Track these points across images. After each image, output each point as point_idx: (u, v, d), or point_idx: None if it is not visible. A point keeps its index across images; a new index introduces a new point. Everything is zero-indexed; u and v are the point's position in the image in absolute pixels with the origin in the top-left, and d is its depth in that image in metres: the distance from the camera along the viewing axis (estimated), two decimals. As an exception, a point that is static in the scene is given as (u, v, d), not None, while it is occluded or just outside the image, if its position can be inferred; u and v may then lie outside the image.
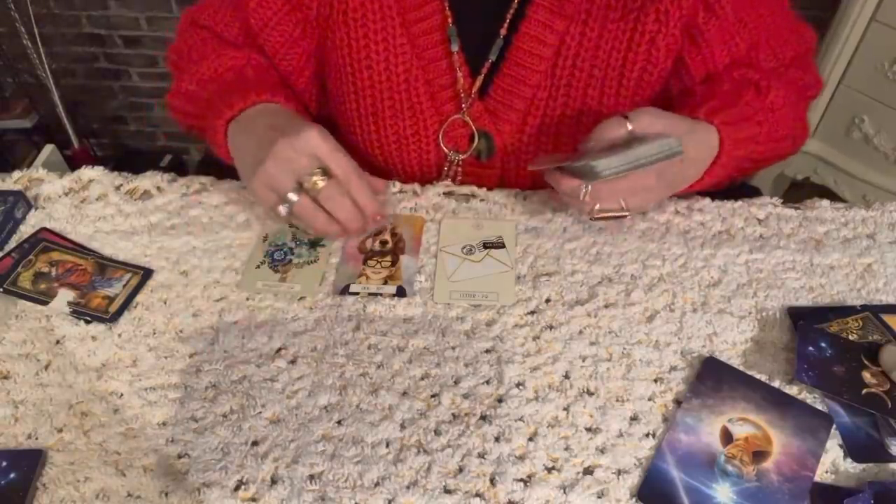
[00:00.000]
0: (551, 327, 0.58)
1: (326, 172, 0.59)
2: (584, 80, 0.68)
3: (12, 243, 0.66)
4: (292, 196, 0.59)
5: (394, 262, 0.64)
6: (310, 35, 0.72)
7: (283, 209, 0.60)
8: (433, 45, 0.69)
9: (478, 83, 0.71)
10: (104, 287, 0.62)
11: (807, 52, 0.74)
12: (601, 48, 0.67)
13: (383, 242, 0.66)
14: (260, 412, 0.53)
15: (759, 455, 0.49)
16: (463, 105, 0.72)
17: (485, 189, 0.71)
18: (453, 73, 0.70)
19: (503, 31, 0.69)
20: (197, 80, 0.72)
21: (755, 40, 0.69)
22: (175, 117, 0.79)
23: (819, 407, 0.52)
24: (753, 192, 0.76)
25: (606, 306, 0.60)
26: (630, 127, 0.57)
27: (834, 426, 0.51)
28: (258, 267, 0.64)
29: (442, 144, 0.74)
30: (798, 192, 1.70)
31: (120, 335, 0.58)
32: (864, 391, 0.52)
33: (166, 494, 0.48)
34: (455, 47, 0.69)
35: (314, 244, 0.66)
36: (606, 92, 0.69)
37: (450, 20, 0.69)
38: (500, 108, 0.71)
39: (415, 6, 0.68)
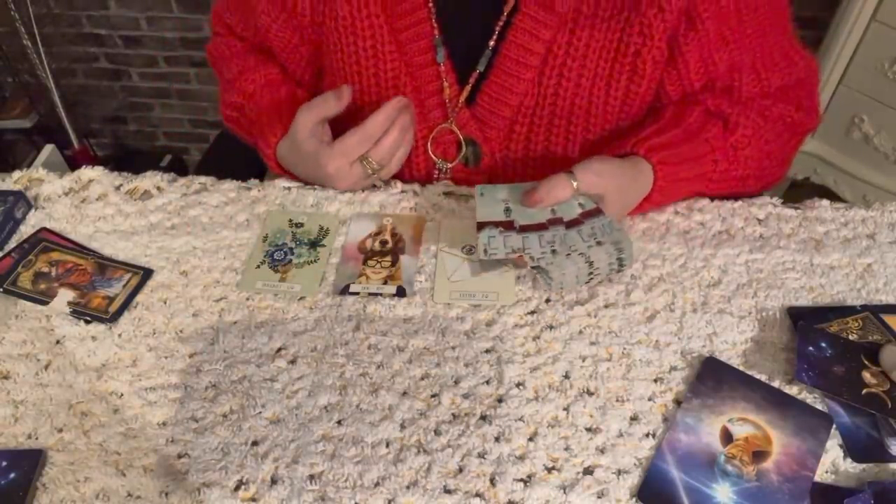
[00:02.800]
0: (551, 327, 0.58)
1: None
2: (571, 89, 0.68)
3: (12, 243, 0.66)
4: (377, 180, 0.71)
5: (394, 262, 0.64)
6: (308, 41, 0.75)
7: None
8: (420, 53, 0.70)
9: (465, 92, 0.71)
10: (104, 287, 0.62)
11: (798, 83, 0.72)
12: (588, 58, 0.67)
13: (383, 242, 0.66)
14: (260, 412, 0.53)
15: (759, 455, 0.49)
16: (450, 115, 0.72)
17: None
18: (440, 82, 0.71)
19: (492, 43, 0.69)
20: (233, 105, 0.79)
21: (736, 62, 0.67)
22: (229, 125, 0.83)
23: (819, 407, 0.52)
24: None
25: (606, 306, 0.60)
26: (575, 186, 0.60)
27: (834, 426, 0.51)
28: (258, 267, 0.64)
29: (430, 152, 0.75)
30: (798, 192, 1.69)
31: (120, 335, 0.58)
32: (864, 391, 0.52)
33: (166, 494, 0.48)
34: (441, 58, 0.69)
35: (314, 244, 0.66)
36: (594, 102, 0.69)
37: (436, 31, 0.69)
38: (487, 115, 0.71)
39: (402, 14, 0.68)
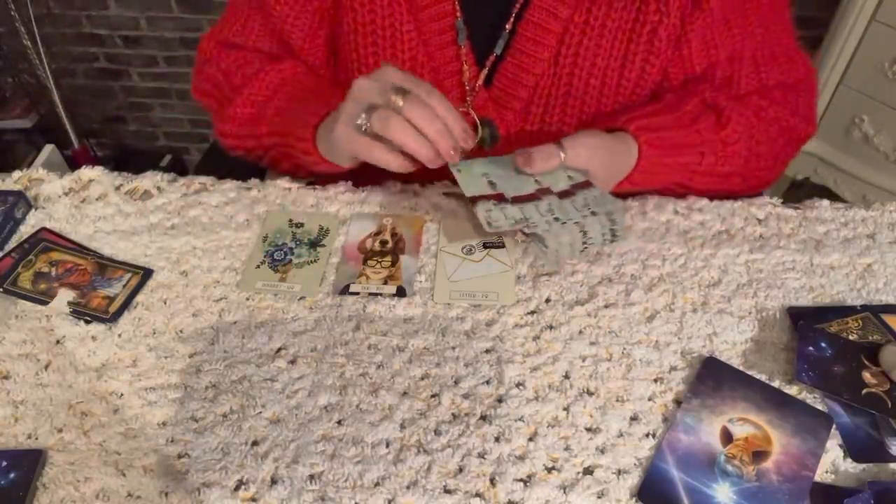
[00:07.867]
0: (551, 327, 0.58)
1: (406, 93, 0.56)
2: (586, 69, 0.69)
3: (12, 243, 0.66)
4: (365, 118, 0.57)
5: (394, 262, 0.64)
6: (327, 24, 0.73)
7: (362, 122, 0.57)
8: (440, 33, 0.70)
9: (482, 75, 0.71)
10: (104, 287, 0.62)
11: (796, 83, 0.73)
12: (604, 37, 0.67)
13: (383, 242, 0.66)
14: (260, 412, 0.53)
15: (759, 455, 0.49)
16: (468, 98, 0.72)
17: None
18: (459, 63, 0.71)
19: (508, 26, 0.69)
20: (252, 101, 0.71)
21: (738, 51, 0.69)
22: (232, 144, 0.76)
23: (819, 407, 0.52)
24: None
25: (606, 306, 0.60)
26: (563, 157, 0.60)
27: (834, 426, 0.51)
28: (258, 267, 0.64)
29: None
30: (798, 192, 1.69)
31: (120, 335, 0.58)
32: (864, 391, 0.52)
33: (166, 494, 0.48)
34: (462, 40, 0.70)
35: (314, 244, 0.66)
36: (608, 83, 0.69)
37: (458, 12, 0.69)
38: (503, 96, 0.72)
39: None
